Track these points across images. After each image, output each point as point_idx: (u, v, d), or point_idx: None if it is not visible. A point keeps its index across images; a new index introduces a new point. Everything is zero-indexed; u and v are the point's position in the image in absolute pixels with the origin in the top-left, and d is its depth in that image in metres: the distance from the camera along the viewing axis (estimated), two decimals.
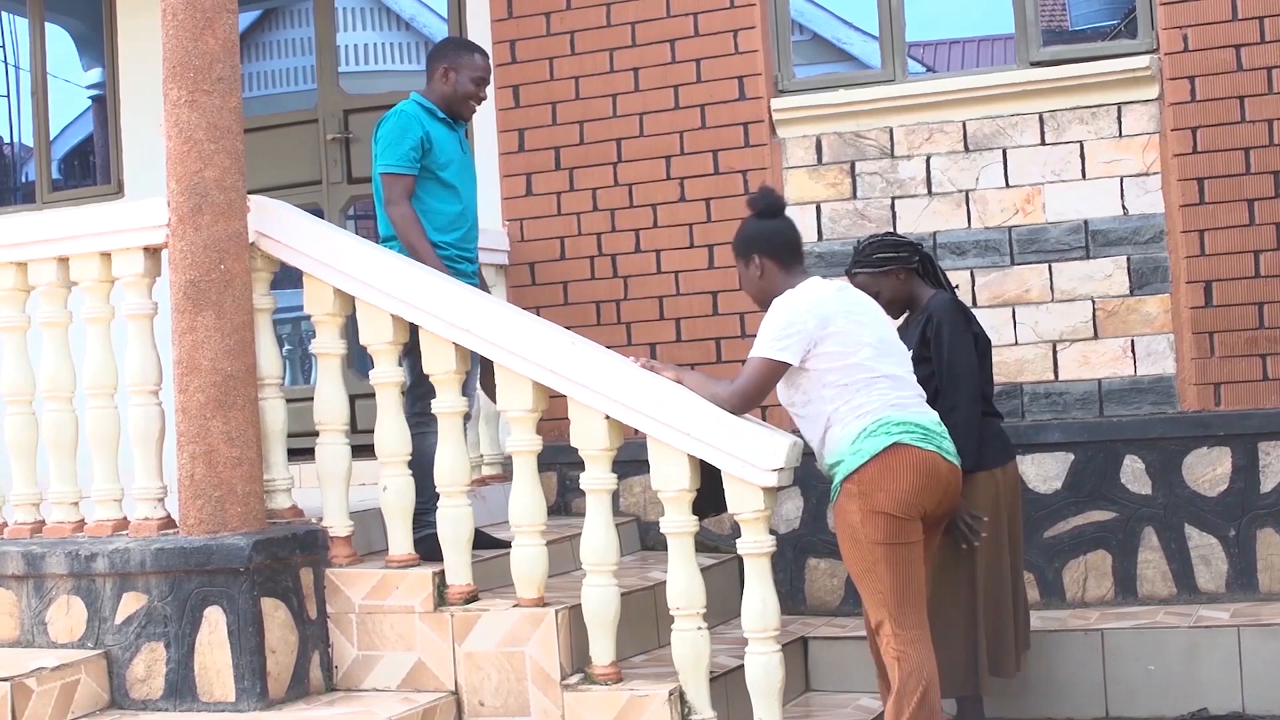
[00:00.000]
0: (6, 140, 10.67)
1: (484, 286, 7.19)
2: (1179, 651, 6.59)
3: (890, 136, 7.67)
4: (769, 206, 5.69)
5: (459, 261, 6.63)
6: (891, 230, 7.44)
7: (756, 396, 5.46)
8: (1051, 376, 7.37)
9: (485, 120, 8.19)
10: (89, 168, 10.56)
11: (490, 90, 7.71)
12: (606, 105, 8.04)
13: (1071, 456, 7.27)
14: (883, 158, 7.65)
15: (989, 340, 6.33)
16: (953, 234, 7.52)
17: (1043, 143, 7.45)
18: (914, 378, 5.57)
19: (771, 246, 5.62)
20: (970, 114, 7.55)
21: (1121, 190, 7.35)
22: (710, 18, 7.86)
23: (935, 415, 5.52)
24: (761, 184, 6.00)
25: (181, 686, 5.83)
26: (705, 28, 7.86)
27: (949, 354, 6.05)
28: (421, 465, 6.13)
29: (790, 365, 5.37)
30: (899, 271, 6.25)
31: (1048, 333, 7.38)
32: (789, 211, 5.79)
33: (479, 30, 8.37)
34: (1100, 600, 7.22)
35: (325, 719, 5.67)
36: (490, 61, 6.87)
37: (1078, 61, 7.48)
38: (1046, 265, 7.41)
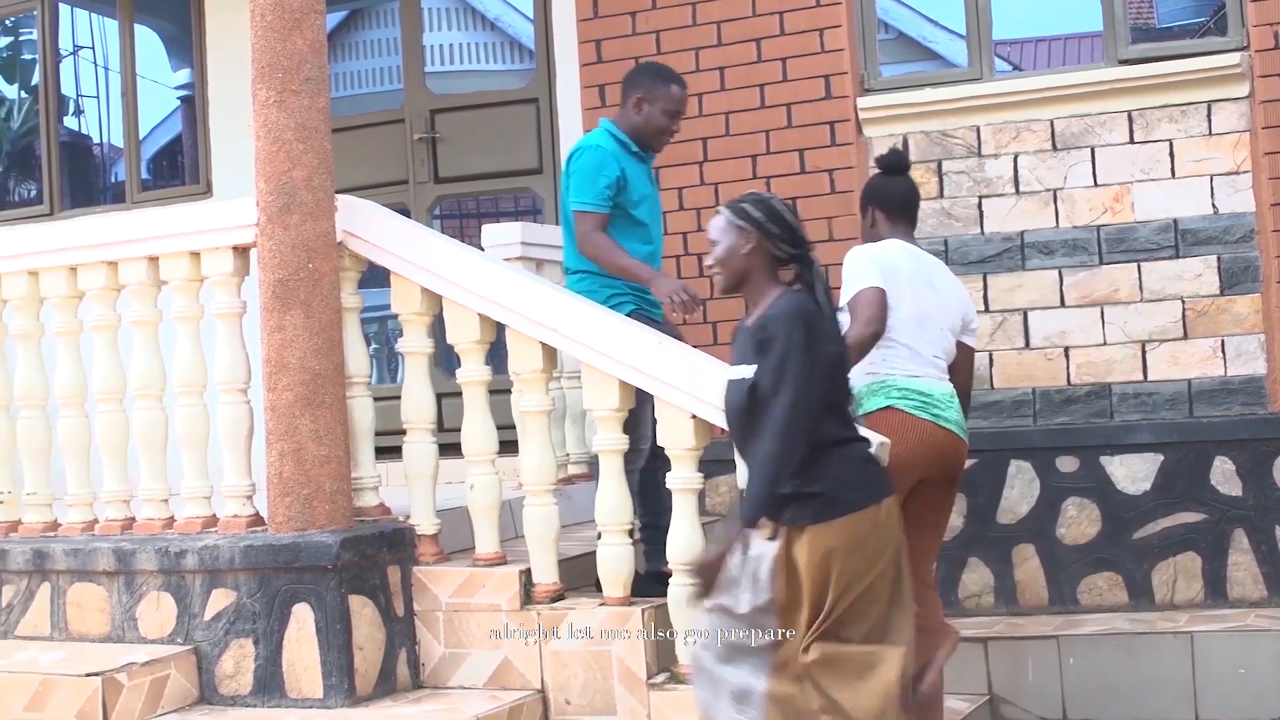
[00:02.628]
0: (97, 141, 10.78)
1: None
2: (1270, 655, 6.52)
3: (977, 135, 7.62)
4: (892, 164, 5.97)
5: (649, 308, 6.40)
6: (980, 231, 7.45)
7: (882, 318, 5.48)
8: (1140, 377, 7.30)
9: (571, 119, 8.22)
10: (178, 168, 10.65)
11: (576, 91, 7.70)
12: (692, 104, 7.98)
13: (1161, 457, 7.19)
14: (969, 156, 7.60)
15: None
16: (1041, 233, 7.46)
17: (1131, 141, 7.38)
18: (943, 360, 5.66)
19: (882, 199, 5.89)
20: (1058, 112, 7.50)
21: (1211, 189, 7.27)
22: (796, 16, 7.82)
23: (949, 388, 5.63)
24: (891, 146, 6.13)
25: (269, 683, 5.87)
26: (791, 26, 7.83)
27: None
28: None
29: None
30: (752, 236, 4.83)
31: (1137, 333, 7.31)
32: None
33: (564, 30, 8.38)
34: (1190, 603, 7.14)
35: (412, 716, 5.69)
36: (686, 92, 6.62)
37: (1167, 59, 7.40)
38: (1135, 265, 7.34)
